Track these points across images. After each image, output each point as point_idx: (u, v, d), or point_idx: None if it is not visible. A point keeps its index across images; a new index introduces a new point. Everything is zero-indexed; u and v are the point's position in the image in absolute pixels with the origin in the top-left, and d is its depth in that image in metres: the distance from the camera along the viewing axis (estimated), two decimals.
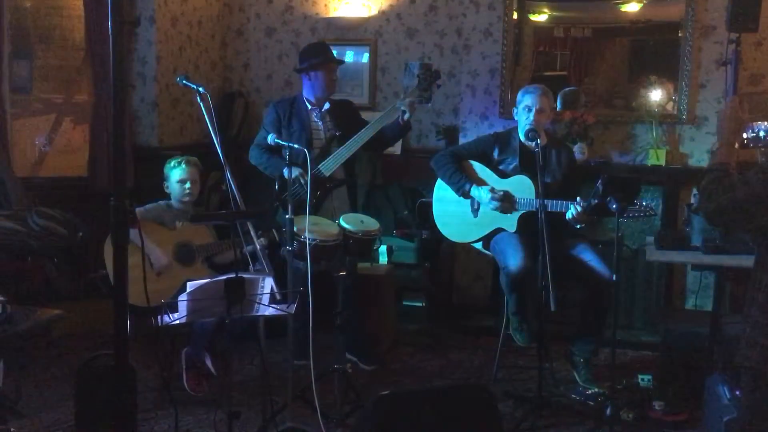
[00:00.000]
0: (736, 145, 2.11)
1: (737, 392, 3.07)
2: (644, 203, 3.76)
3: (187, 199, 4.00)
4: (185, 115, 5.60)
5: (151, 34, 5.17)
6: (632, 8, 5.14)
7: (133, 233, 2.21)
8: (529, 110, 3.96)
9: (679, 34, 4.87)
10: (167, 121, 5.40)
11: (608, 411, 3.55)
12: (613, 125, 5.02)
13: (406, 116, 4.16)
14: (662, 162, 4.79)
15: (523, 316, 4.01)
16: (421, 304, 5.07)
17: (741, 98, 2.14)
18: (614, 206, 3.41)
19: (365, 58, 5.71)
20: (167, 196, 4.07)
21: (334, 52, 4.46)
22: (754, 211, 1.92)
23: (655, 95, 4.97)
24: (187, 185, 3.97)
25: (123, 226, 2.15)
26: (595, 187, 3.56)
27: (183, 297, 2.70)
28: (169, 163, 4.02)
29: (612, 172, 4.41)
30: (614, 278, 3.56)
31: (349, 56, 5.70)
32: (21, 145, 5.25)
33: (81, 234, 4.42)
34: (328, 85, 4.29)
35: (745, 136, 3.30)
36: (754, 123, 2.73)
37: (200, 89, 3.27)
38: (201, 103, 3.24)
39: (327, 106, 4.30)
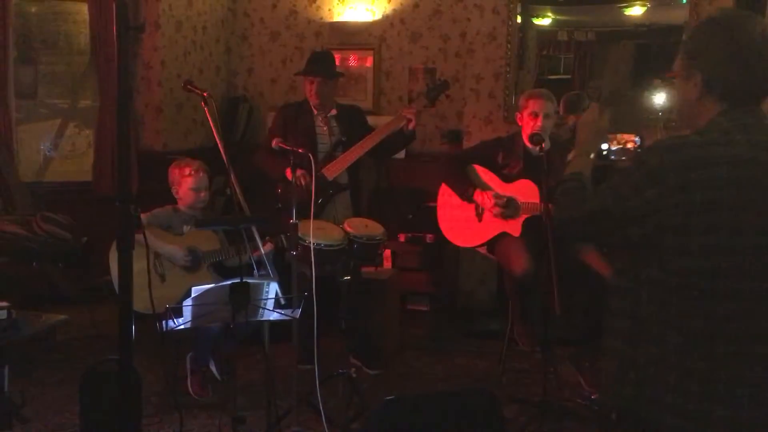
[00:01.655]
0: (592, 156, 2.04)
1: None
2: None
3: (200, 206, 3.99)
4: (189, 119, 5.61)
5: (156, 39, 5.19)
6: (636, 12, 5.14)
7: (140, 237, 2.21)
8: (536, 116, 3.95)
9: (684, 38, 4.86)
10: (171, 126, 5.42)
11: (614, 415, 3.53)
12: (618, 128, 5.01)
13: (411, 125, 4.16)
14: None
15: (527, 320, 3.99)
16: (425, 309, 5.06)
17: (601, 107, 2.09)
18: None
19: (369, 62, 5.72)
20: (173, 200, 4.06)
21: (336, 59, 4.47)
22: (606, 225, 1.86)
23: (660, 98, 4.97)
24: (202, 193, 3.96)
25: (128, 230, 2.15)
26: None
27: (188, 302, 2.70)
28: (181, 169, 3.98)
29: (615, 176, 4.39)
30: None
31: (353, 61, 5.71)
32: (26, 151, 5.27)
33: (85, 239, 4.44)
34: (316, 95, 4.27)
35: (604, 147, 3.22)
36: (617, 136, 2.65)
37: (205, 94, 3.27)
38: (206, 108, 3.24)
39: (333, 111, 4.30)
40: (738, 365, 1.73)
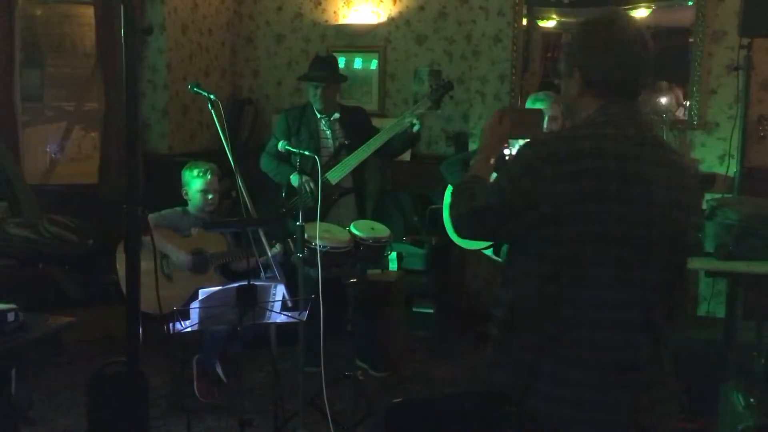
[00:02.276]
0: (493, 160, 2.08)
1: (752, 400, 3.05)
2: None
3: (209, 209, 4.00)
4: (195, 122, 5.62)
5: (162, 42, 5.19)
6: (641, 14, 5.12)
7: (146, 240, 2.21)
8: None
9: (690, 40, 4.85)
10: (177, 129, 5.42)
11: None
12: None
13: (416, 128, 4.15)
14: None
15: None
16: (431, 311, 5.05)
17: (503, 113, 2.15)
18: None
19: (374, 64, 5.72)
20: (182, 202, 4.07)
21: (342, 61, 4.47)
22: (491, 220, 1.90)
23: (666, 100, 4.95)
24: (210, 196, 3.97)
25: (135, 232, 2.15)
26: None
27: (195, 304, 2.70)
28: (191, 171, 3.99)
29: None
30: None
31: (358, 63, 5.72)
32: (32, 153, 5.28)
33: (91, 241, 4.44)
34: (320, 99, 4.26)
35: (506, 152, 3.30)
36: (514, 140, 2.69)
37: (211, 96, 3.28)
38: (212, 111, 3.24)
39: (337, 115, 4.30)
40: (607, 351, 1.78)
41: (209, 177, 3.97)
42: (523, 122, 2.11)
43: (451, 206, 2.05)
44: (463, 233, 2.03)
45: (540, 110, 2.34)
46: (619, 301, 1.79)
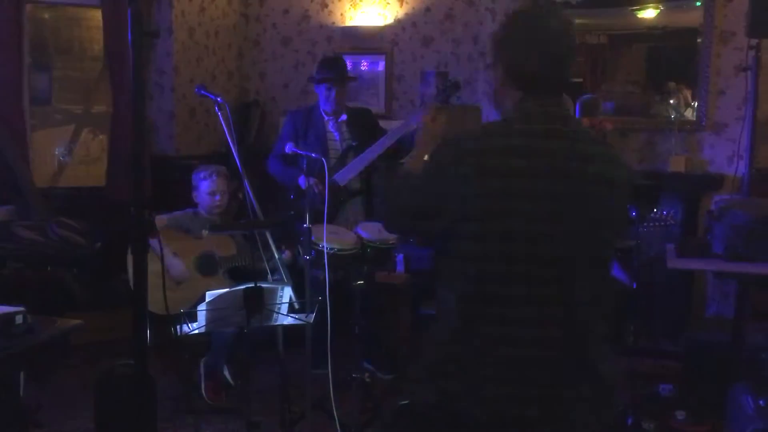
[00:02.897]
0: (426, 157, 2.06)
1: (761, 402, 3.03)
2: (664, 212, 3.74)
3: (217, 210, 4.02)
4: (202, 124, 5.63)
5: (169, 45, 5.20)
6: (649, 14, 5.11)
7: (153, 243, 2.21)
8: None
9: (698, 40, 4.83)
10: (184, 131, 5.44)
11: (629, 421, 3.51)
12: (632, 132, 4.99)
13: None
14: (682, 169, 4.76)
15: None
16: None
17: (438, 110, 2.14)
18: (633, 214, 3.38)
19: (381, 66, 5.72)
20: (189, 204, 4.08)
21: (348, 63, 4.47)
22: (409, 218, 1.92)
23: (676, 101, 4.94)
24: (217, 197, 3.99)
25: (142, 235, 2.16)
26: None
27: (202, 306, 2.70)
28: (199, 173, 4.02)
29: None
30: (634, 286, 3.53)
31: (364, 65, 5.72)
32: (41, 156, 5.30)
33: (99, 244, 4.45)
34: (333, 101, 4.26)
35: None
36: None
37: (219, 99, 3.28)
38: (219, 113, 3.25)
39: (344, 117, 4.30)
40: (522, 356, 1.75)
41: (217, 178, 3.99)
42: (461, 119, 2.10)
43: (381, 203, 2.06)
44: (389, 230, 2.07)
45: (479, 107, 2.33)
46: (545, 298, 1.76)
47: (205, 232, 3.91)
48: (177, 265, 3.82)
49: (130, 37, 2.15)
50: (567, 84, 1.87)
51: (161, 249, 2.35)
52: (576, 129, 1.83)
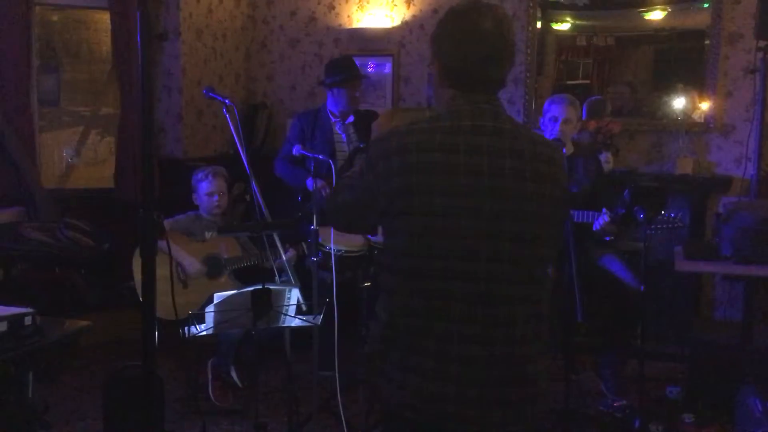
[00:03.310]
0: None
1: None
2: (672, 215, 3.73)
3: (216, 211, 4.03)
4: (209, 126, 5.64)
5: (176, 47, 5.21)
6: (656, 16, 5.10)
7: (162, 244, 2.21)
8: (556, 120, 3.93)
9: (706, 42, 4.82)
10: (192, 133, 5.45)
11: (637, 424, 3.50)
12: (639, 134, 4.98)
13: None
14: (689, 171, 4.75)
15: (549, 326, 3.96)
16: None
17: (393, 111, 2.19)
18: (641, 216, 3.38)
19: (388, 68, 5.73)
20: (195, 207, 4.09)
21: (357, 64, 4.47)
22: (350, 214, 1.97)
23: (681, 103, 4.93)
24: (215, 198, 4.00)
25: (151, 237, 2.16)
26: (621, 197, 3.53)
27: (210, 308, 2.71)
28: (197, 175, 4.05)
29: (638, 182, 4.36)
30: (642, 289, 3.52)
31: (372, 67, 5.72)
32: (49, 158, 5.32)
33: (107, 245, 4.46)
34: (349, 101, 4.29)
35: None
36: None
37: (226, 101, 3.29)
38: (227, 115, 3.26)
39: (351, 118, 4.30)
40: (453, 343, 1.77)
41: (214, 179, 4.00)
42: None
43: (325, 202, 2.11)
44: (332, 226, 2.15)
45: (431, 109, 2.36)
46: (467, 293, 1.76)
47: (208, 234, 3.92)
48: (191, 263, 3.83)
49: (138, 39, 2.15)
50: (501, 82, 1.88)
51: (169, 249, 2.35)
52: (507, 127, 1.82)
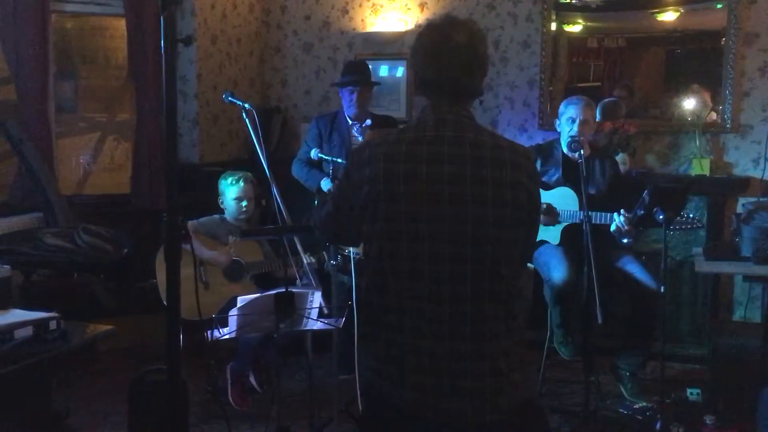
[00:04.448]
0: None
1: None
2: (691, 215, 3.72)
3: (243, 216, 4.04)
4: (225, 131, 5.66)
5: (192, 53, 5.24)
6: (669, 17, 5.08)
7: (188, 246, 2.22)
8: (573, 121, 3.93)
9: (722, 42, 4.80)
10: (207, 138, 5.47)
11: (658, 426, 3.49)
12: (655, 135, 4.96)
13: None
14: (706, 172, 4.72)
15: (567, 329, 3.96)
16: None
17: (372, 132, 2.30)
18: (661, 217, 3.36)
19: (401, 72, 5.73)
20: (213, 211, 4.11)
21: (371, 68, 4.49)
22: (337, 224, 2.07)
23: (697, 104, 4.91)
24: (244, 203, 4.02)
25: (175, 242, 2.16)
26: (641, 197, 3.52)
27: (234, 311, 2.72)
28: (226, 179, 4.05)
29: (656, 183, 4.35)
30: (662, 290, 3.51)
31: (385, 71, 5.72)
32: (66, 164, 5.35)
33: (126, 250, 4.48)
34: (356, 105, 4.29)
35: None
36: None
37: (246, 105, 3.30)
38: (247, 120, 3.27)
39: (368, 122, 4.32)
40: (424, 338, 1.88)
41: (243, 185, 4.02)
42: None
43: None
44: (322, 238, 2.26)
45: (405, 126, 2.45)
46: (431, 293, 1.86)
47: (232, 239, 3.94)
48: (219, 256, 3.86)
49: (162, 44, 2.16)
50: (472, 93, 1.98)
51: (193, 252, 2.35)
52: (468, 135, 1.91)
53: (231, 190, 4.01)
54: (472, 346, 1.87)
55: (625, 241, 3.80)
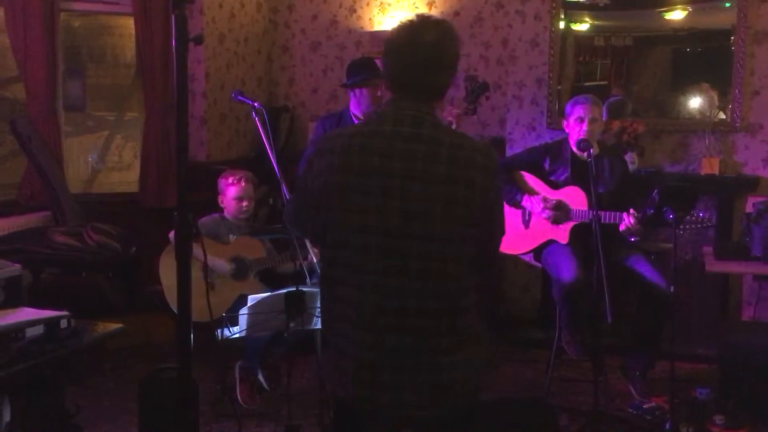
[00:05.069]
0: None
1: None
2: (700, 214, 3.71)
3: (244, 215, 4.04)
4: (232, 130, 5.67)
5: (200, 52, 5.24)
6: (676, 16, 5.07)
7: (195, 247, 2.22)
8: (582, 121, 3.92)
9: (732, 39, 4.78)
10: (215, 137, 5.48)
11: (667, 425, 3.48)
12: (664, 134, 4.95)
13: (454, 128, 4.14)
14: (716, 171, 4.71)
15: (576, 328, 3.95)
16: None
17: None
18: (671, 216, 3.35)
19: None
20: (216, 210, 4.11)
21: (378, 65, 4.47)
22: (302, 217, 2.10)
23: (705, 103, 4.89)
24: (245, 203, 4.02)
25: (187, 240, 2.16)
26: (650, 196, 3.51)
27: (244, 310, 2.72)
28: (227, 179, 4.05)
29: (665, 182, 4.33)
30: (672, 289, 3.50)
31: None
32: (75, 163, 5.36)
33: (134, 248, 4.49)
34: (372, 101, 4.28)
35: None
36: None
37: (256, 104, 3.30)
38: (257, 118, 3.27)
39: None
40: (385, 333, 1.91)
41: (245, 184, 4.01)
42: None
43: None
44: (291, 230, 2.34)
45: None
46: (382, 285, 1.90)
47: (232, 237, 3.94)
48: (221, 265, 3.85)
49: (174, 43, 2.16)
50: (436, 91, 1.99)
51: (204, 253, 2.35)
52: (425, 132, 1.93)
53: (232, 189, 4.01)
54: (414, 340, 1.91)
55: (632, 239, 3.79)
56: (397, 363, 1.91)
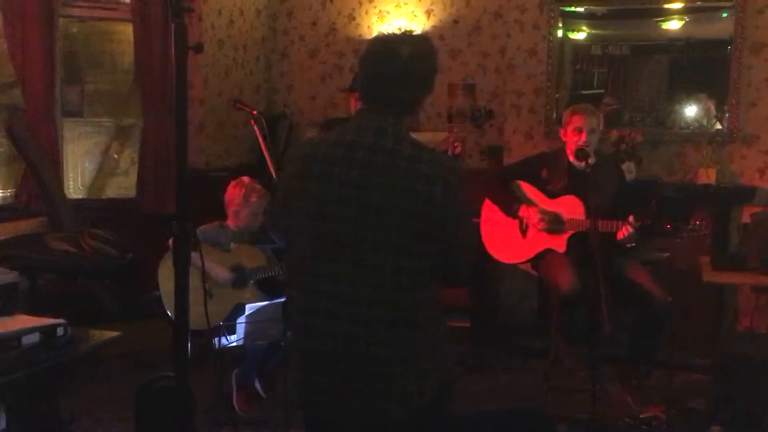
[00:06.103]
0: None
1: None
2: (697, 224, 3.71)
3: (254, 228, 4.00)
4: (230, 137, 5.67)
5: (198, 59, 5.24)
6: (673, 26, 5.09)
7: (194, 256, 2.22)
8: (580, 131, 3.92)
9: (729, 49, 4.80)
10: (213, 144, 5.47)
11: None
12: (661, 144, 4.96)
13: (458, 150, 4.10)
14: (712, 181, 4.72)
15: (573, 337, 3.95)
16: (466, 325, 5.03)
17: None
18: (668, 226, 3.36)
19: None
20: (217, 217, 4.08)
21: None
22: (278, 225, 2.18)
23: (702, 113, 4.91)
24: (259, 218, 3.97)
25: (185, 249, 2.16)
26: (647, 206, 3.52)
27: (242, 319, 2.71)
28: (241, 189, 3.94)
29: (662, 192, 4.34)
30: (669, 299, 3.50)
31: None
32: (73, 169, 5.36)
33: (131, 255, 4.48)
34: None
35: None
36: None
37: (254, 112, 3.30)
38: (255, 126, 3.27)
39: None
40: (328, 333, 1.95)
41: (261, 202, 3.93)
42: None
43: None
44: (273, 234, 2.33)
45: None
46: (332, 292, 1.93)
47: (233, 245, 3.91)
48: (221, 272, 3.83)
49: (174, 51, 2.16)
50: (404, 104, 2.01)
51: (203, 262, 2.35)
52: (387, 144, 1.95)
53: (253, 204, 3.92)
54: (365, 349, 1.92)
55: (628, 244, 3.80)
56: (345, 372, 1.93)
